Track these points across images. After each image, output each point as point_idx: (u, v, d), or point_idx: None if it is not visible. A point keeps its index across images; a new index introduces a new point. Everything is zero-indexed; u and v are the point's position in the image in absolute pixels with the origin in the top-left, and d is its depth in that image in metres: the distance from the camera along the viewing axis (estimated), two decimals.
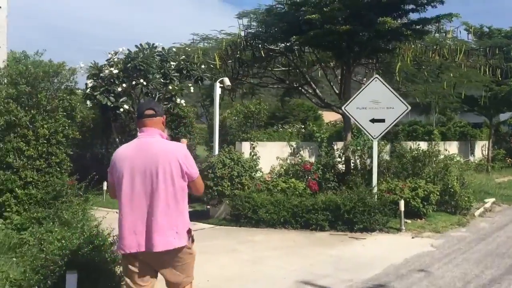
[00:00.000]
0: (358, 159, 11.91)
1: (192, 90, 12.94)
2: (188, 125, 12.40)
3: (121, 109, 11.30)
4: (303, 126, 14.99)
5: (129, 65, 11.30)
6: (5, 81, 6.63)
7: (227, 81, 11.14)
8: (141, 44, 12.38)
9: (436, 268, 6.58)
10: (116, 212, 3.50)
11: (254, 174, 10.33)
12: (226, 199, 9.47)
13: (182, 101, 12.05)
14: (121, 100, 11.44)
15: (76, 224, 5.87)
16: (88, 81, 11.30)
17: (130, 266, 3.41)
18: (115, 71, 11.15)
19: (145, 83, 11.38)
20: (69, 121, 7.09)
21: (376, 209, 8.92)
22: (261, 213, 9.09)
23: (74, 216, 6.09)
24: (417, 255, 7.34)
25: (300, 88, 17.87)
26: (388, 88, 9.64)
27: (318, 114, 45.06)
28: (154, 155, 3.36)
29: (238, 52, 15.92)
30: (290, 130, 24.45)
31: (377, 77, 9.78)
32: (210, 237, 8.35)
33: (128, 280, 3.44)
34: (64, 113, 7.01)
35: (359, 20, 10.76)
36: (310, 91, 17.52)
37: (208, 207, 9.94)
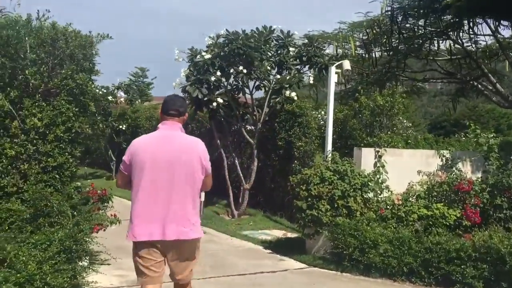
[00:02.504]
0: None
1: (311, 81, 10.20)
2: (304, 125, 9.72)
3: (214, 103, 9.13)
4: (494, 135, 11.35)
5: (226, 48, 9.09)
6: None
7: (346, 65, 8.18)
8: (257, 28, 10.16)
9: None
10: None
11: (379, 194, 7.21)
12: (324, 229, 6.56)
13: (293, 94, 9.41)
14: (217, 92, 9.29)
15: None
16: (182, 70, 9.41)
17: (145, 253, 3.41)
18: (207, 56, 9.03)
19: (245, 70, 9.05)
20: (76, 109, 5.05)
21: None
22: (372, 256, 5.99)
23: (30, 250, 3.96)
24: None
25: (476, 83, 13.75)
26: None
27: None
28: (178, 149, 3.46)
29: (385, 37, 12.66)
30: (475, 139, 19.79)
31: None
32: None
33: (141, 267, 3.44)
34: (70, 99, 5.00)
35: None
36: (490, 87, 13.36)
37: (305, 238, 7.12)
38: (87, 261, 4.95)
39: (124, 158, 3.48)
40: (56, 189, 4.91)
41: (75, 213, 4.67)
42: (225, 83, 9.73)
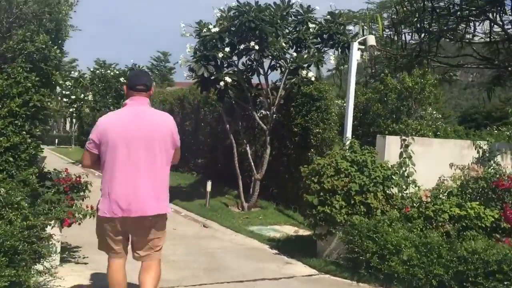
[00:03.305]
0: None
1: (332, 61, 9.16)
2: (322, 110, 8.71)
3: (221, 83, 8.18)
4: None
5: (236, 21, 8.12)
6: None
7: (371, 40, 7.14)
8: (274, 3, 9.17)
9: None
10: None
11: (404, 189, 6.21)
12: (338, 229, 5.59)
13: (310, 74, 8.40)
14: (226, 71, 8.36)
15: None
16: (188, 45, 8.47)
17: (111, 230, 3.42)
18: (215, 30, 8.06)
19: (257, 47, 8.07)
20: (37, 79, 4.19)
21: None
22: (394, 264, 5.00)
23: None
24: None
25: None
26: None
27: None
28: (150, 124, 3.41)
29: (416, 15, 11.50)
30: (508, 132, 18.41)
31: None
32: None
33: (109, 242, 3.48)
34: (29, 66, 4.14)
35: None
36: None
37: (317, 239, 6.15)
38: (54, 260, 4.15)
39: (92, 137, 3.41)
40: (9, 175, 4.09)
41: (26, 205, 3.81)
42: (236, 62, 8.79)
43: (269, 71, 9.32)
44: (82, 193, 5.19)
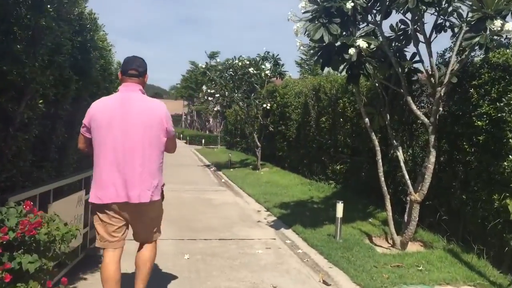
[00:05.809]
0: None
1: None
2: None
3: (351, 50, 5.08)
4: None
5: None
6: None
7: None
8: None
9: None
10: None
11: None
12: None
13: (509, 27, 4.84)
14: (359, 33, 5.25)
15: None
16: (302, 1, 5.54)
17: (103, 217, 3.43)
18: None
19: None
20: None
21: None
22: None
23: None
24: None
25: None
26: None
27: None
28: (139, 110, 3.40)
29: None
30: None
31: None
32: None
33: (102, 231, 3.45)
34: None
35: None
36: None
37: None
38: None
39: (84, 121, 3.46)
40: None
41: None
42: (379, 22, 5.62)
43: (434, 34, 5.97)
44: (46, 257, 2.66)
